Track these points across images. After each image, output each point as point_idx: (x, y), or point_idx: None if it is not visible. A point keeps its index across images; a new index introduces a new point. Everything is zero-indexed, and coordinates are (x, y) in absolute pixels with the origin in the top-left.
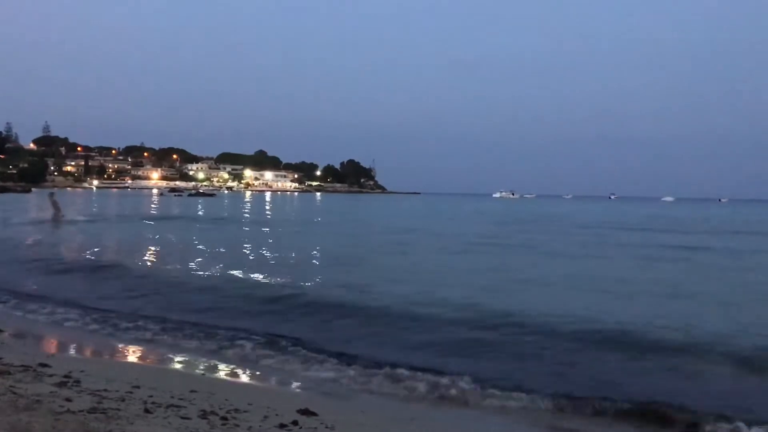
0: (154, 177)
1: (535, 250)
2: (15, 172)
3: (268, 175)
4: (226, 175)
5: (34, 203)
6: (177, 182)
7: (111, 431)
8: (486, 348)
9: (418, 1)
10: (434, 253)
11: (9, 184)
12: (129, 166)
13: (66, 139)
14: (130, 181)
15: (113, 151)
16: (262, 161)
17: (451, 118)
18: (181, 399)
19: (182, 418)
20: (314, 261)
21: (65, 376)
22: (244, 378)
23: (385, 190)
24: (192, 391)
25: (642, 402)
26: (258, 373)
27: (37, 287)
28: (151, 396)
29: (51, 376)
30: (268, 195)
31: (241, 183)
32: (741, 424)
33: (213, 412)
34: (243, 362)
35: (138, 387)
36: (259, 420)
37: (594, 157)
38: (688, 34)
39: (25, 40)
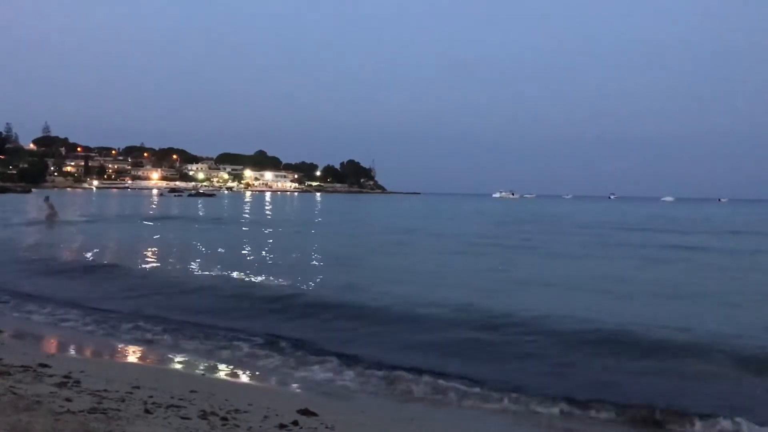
0: (154, 177)
1: (535, 251)
2: (15, 172)
3: (268, 175)
4: (226, 176)
5: (33, 204)
6: (177, 182)
7: (111, 431)
8: (486, 348)
9: (418, 1)
10: (434, 253)
11: (9, 184)
12: (129, 167)
13: (66, 139)
14: (130, 182)
15: (113, 152)
16: (262, 161)
17: (451, 118)
18: (181, 399)
19: (182, 418)
20: (314, 261)
21: (65, 377)
22: (244, 378)
23: (385, 190)
24: (192, 392)
25: (642, 402)
26: (258, 373)
27: (37, 287)
28: (151, 396)
29: (51, 376)
30: (268, 195)
31: (241, 183)
32: (742, 425)
33: (213, 413)
34: (243, 362)
35: (138, 387)
36: (259, 420)
37: (594, 157)
38: (688, 34)
39: (25, 40)
